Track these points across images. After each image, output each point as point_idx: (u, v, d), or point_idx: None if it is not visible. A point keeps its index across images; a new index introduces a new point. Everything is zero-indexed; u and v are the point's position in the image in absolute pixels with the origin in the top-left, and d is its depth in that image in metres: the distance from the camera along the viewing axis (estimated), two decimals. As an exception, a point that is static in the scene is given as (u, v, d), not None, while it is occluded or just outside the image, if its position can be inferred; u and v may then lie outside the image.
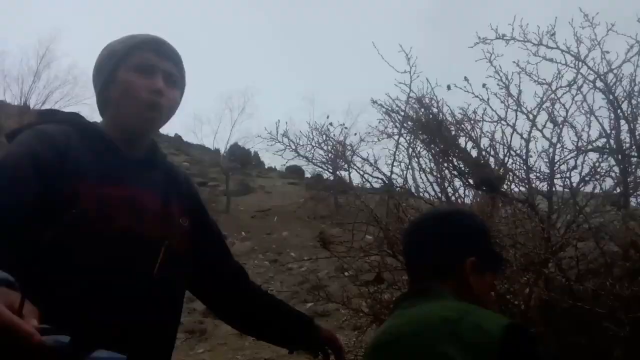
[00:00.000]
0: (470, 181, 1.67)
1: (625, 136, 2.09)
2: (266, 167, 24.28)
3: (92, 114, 1.30)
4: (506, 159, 1.85)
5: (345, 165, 3.05)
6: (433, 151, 1.90)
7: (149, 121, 1.28)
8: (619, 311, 1.62)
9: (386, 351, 1.11)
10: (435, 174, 2.59)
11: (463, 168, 1.66)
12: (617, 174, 2.12)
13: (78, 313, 1.05)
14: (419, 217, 1.39)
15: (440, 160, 1.87)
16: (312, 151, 2.94)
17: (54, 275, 1.06)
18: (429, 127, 1.72)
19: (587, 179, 2.13)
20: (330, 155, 3.16)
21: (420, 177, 2.78)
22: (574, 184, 2.06)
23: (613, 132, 2.11)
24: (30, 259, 1.04)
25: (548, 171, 1.96)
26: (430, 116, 1.77)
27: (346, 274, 4.55)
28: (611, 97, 2.04)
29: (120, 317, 1.09)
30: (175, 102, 1.33)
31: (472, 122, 1.88)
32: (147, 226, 1.19)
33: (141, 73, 1.25)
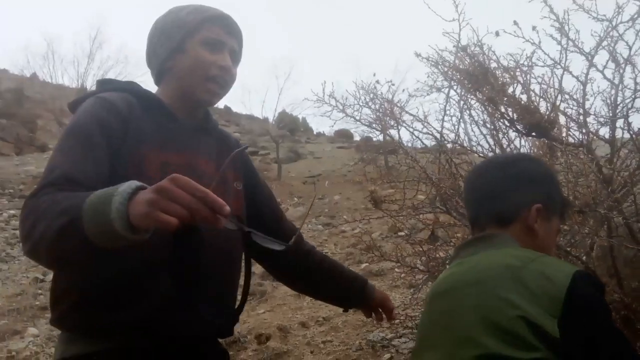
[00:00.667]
0: (520, 127, 1.60)
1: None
2: (315, 132, 24.37)
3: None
4: (559, 102, 1.75)
5: (394, 124, 2.99)
6: (481, 101, 1.83)
7: (215, 96, 1.33)
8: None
9: (447, 298, 1.10)
10: (488, 125, 2.51)
11: (512, 115, 1.59)
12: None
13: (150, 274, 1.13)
14: (483, 163, 1.35)
15: (490, 110, 1.80)
16: (360, 111, 2.90)
17: None
18: (475, 76, 1.65)
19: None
20: (378, 114, 3.12)
21: (473, 131, 2.71)
22: (638, 128, 1.93)
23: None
24: None
25: (609, 114, 1.84)
26: (477, 64, 1.70)
27: (400, 234, 4.56)
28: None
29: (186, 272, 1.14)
30: (236, 78, 1.38)
31: (522, 67, 1.78)
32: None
33: (211, 48, 1.29)
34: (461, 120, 2.67)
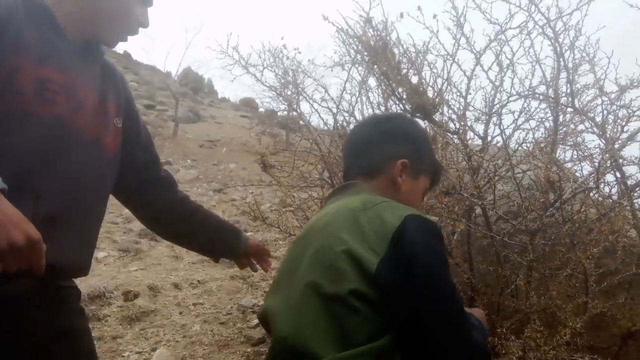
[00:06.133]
0: (407, 107, 1.68)
1: (563, 87, 2.15)
2: (219, 97, 23.63)
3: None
4: (445, 91, 1.87)
5: (295, 92, 2.98)
6: (377, 75, 1.89)
7: (119, 42, 1.27)
8: (526, 243, 1.74)
9: (299, 244, 1.11)
10: (382, 107, 2.60)
11: (402, 94, 1.67)
12: (551, 123, 2.21)
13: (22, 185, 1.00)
14: (363, 120, 1.39)
15: (384, 87, 1.87)
16: (262, 71, 2.84)
17: None
18: (375, 49, 1.69)
19: (521, 124, 2.20)
20: (281, 80, 3.08)
21: (367, 112, 2.79)
22: (508, 129, 2.13)
23: (552, 82, 2.17)
24: None
25: (486, 111, 2.00)
26: (378, 38, 1.74)
27: (289, 209, 4.61)
28: (557, 45, 2.07)
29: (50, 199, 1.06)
30: None
31: (418, 52, 1.87)
32: (83, 118, 1.15)
33: (139, 1, 1.25)
34: (358, 99, 2.74)
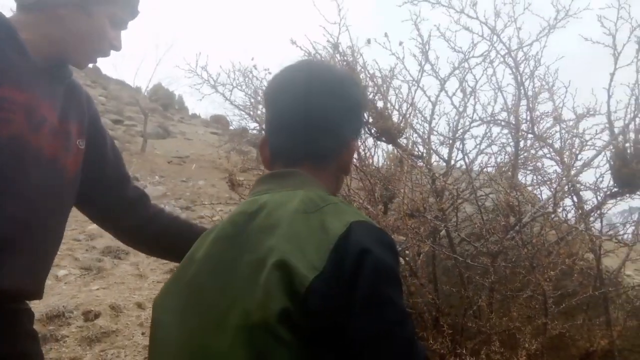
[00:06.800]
0: (373, 131, 1.72)
1: (524, 114, 2.24)
2: (190, 113, 23.45)
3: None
4: (410, 116, 1.92)
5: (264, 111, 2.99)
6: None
7: (89, 63, 1.26)
8: (488, 265, 1.79)
9: (235, 241, 0.86)
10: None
11: (368, 118, 1.71)
12: (512, 148, 2.28)
13: None
14: (303, 79, 0.99)
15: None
16: (231, 90, 2.84)
17: None
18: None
19: (484, 149, 2.27)
20: (251, 100, 3.09)
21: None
22: (471, 153, 2.19)
23: (513, 109, 2.26)
24: None
25: (450, 136, 2.06)
26: (345, 63, 1.78)
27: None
28: (517, 74, 2.16)
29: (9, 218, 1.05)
30: None
31: (384, 77, 1.92)
32: (42, 139, 1.12)
33: (114, 25, 1.24)
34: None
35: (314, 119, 0.94)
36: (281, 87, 1.00)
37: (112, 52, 1.28)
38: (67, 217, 1.29)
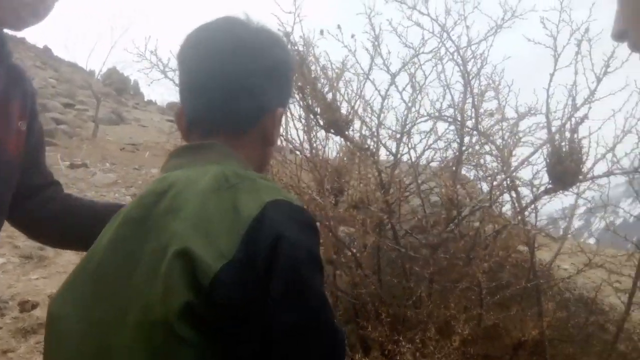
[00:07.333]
0: (322, 122, 1.72)
1: (469, 111, 2.30)
2: (145, 99, 22.75)
3: None
4: (358, 108, 1.94)
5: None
6: (295, 89, 1.92)
7: (26, 25, 1.14)
8: (428, 257, 1.84)
9: (141, 228, 0.76)
10: (303, 121, 2.63)
11: (316, 109, 1.71)
12: (458, 144, 2.35)
13: None
14: (220, 37, 0.88)
15: (302, 102, 1.90)
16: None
17: None
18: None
19: (432, 144, 2.32)
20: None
21: (289, 123, 2.81)
22: (418, 147, 2.24)
23: (459, 106, 2.32)
24: None
25: (398, 130, 2.10)
26: (296, 53, 1.78)
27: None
28: (465, 72, 2.22)
29: None
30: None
31: (334, 69, 1.93)
32: None
33: None
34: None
35: (230, 79, 0.85)
36: (194, 46, 0.90)
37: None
38: (8, 202, 1.21)
